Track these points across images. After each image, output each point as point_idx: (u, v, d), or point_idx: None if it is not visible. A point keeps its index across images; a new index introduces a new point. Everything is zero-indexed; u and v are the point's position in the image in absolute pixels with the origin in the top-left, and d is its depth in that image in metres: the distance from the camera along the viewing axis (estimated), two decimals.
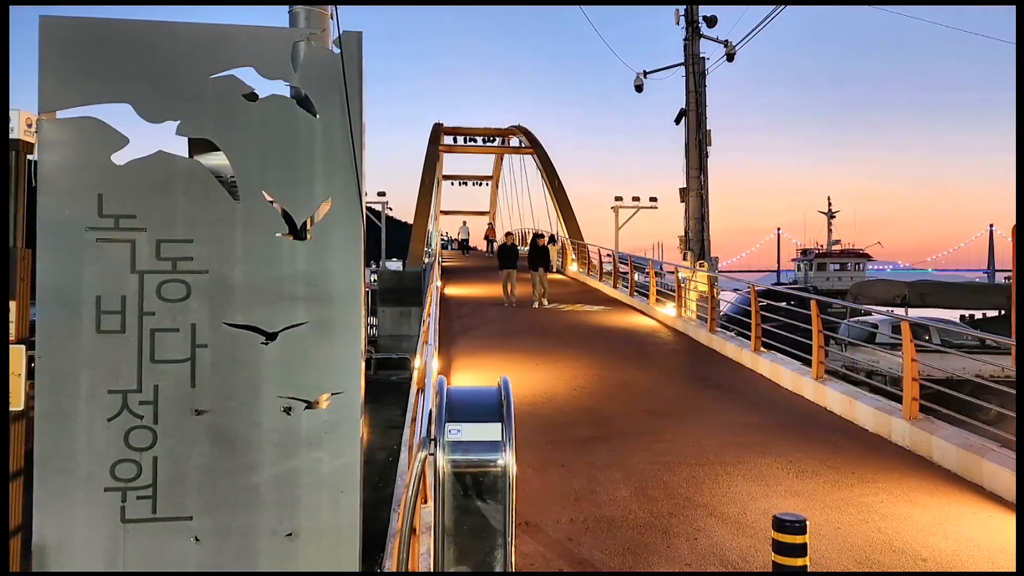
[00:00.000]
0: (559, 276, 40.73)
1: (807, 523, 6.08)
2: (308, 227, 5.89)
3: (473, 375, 16.63)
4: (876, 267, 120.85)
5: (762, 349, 17.97)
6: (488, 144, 63.77)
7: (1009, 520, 8.96)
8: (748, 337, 18.66)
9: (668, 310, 25.26)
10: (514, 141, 62.07)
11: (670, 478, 10.21)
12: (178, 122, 5.71)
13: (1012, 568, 7.77)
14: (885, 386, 15.81)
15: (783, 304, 21.44)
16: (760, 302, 18.65)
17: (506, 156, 69.53)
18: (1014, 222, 16.45)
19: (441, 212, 71.95)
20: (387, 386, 29.89)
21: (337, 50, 5.93)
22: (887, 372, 20.93)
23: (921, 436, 11.40)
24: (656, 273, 28.41)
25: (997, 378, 17.70)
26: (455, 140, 61.32)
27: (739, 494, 9.64)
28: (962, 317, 36.17)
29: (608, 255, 36.64)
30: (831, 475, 10.34)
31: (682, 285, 24.99)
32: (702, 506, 9.27)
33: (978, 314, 34.89)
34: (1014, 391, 13.78)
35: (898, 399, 12.50)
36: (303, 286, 5.83)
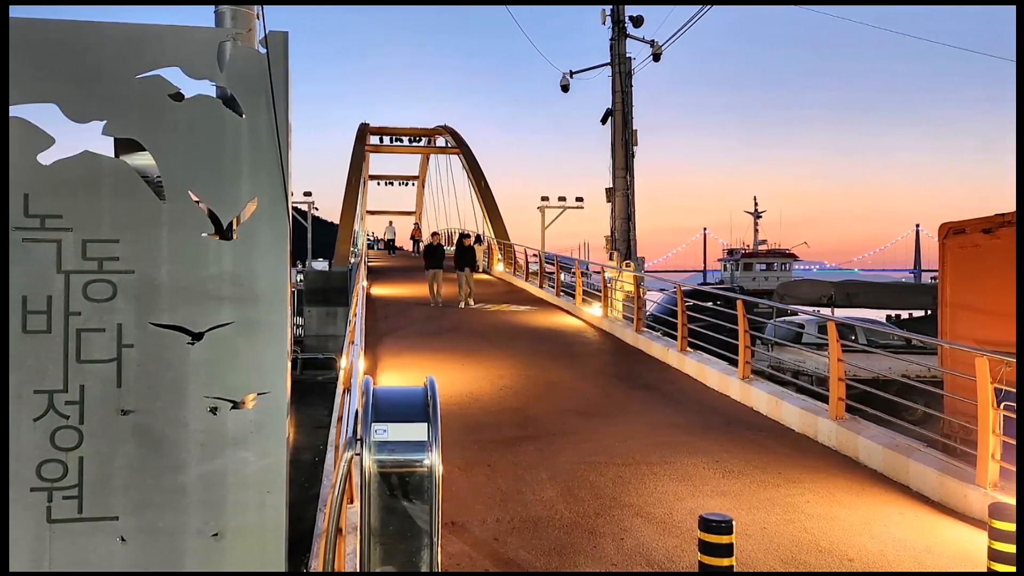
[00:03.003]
0: (485, 276, 40.76)
1: (733, 523, 6.19)
2: (234, 227, 5.87)
3: (399, 375, 16.62)
4: (802, 267, 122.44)
5: (688, 349, 18.15)
6: (415, 144, 63.64)
7: (935, 520, 9.09)
8: (675, 337, 18.81)
9: (594, 310, 25.41)
10: (441, 141, 61.99)
11: (596, 478, 10.29)
12: (104, 122, 5.66)
13: (939, 568, 7.88)
14: (811, 386, 15.98)
15: (709, 304, 21.63)
16: (686, 302, 18.78)
17: (433, 156, 69.39)
18: (940, 222, 16.83)
19: (367, 212, 71.69)
20: (313, 386, 29.82)
21: (263, 50, 5.91)
22: (813, 372, 21.15)
23: (847, 436, 11.56)
24: (582, 273, 28.54)
25: (923, 378, 18.02)
26: (381, 140, 61.12)
27: (665, 494, 9.74)
28: (888, 317, 36.79)
29: (534, 255, 36.71)
30: (757, 475, 10.47)
31: (608, 285, 25.13)
32: (628, 506, 9.36)
33: (904, 314, 35.49)
34: (940, 391, 14.04)
35: (824, 399, 12.66)
36: (229, 286, 5.80)
